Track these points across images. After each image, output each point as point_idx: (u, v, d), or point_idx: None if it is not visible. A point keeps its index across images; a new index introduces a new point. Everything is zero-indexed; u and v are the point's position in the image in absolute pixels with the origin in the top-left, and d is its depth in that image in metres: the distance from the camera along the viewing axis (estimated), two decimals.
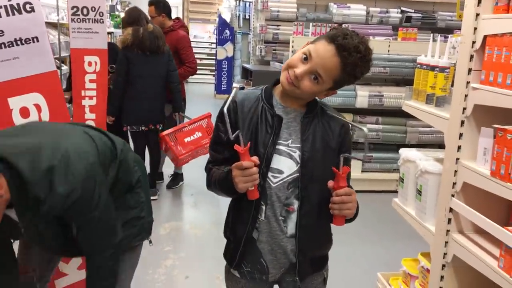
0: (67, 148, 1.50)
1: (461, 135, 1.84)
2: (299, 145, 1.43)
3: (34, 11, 2.06)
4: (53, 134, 1.59)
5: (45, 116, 2.17)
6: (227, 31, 10.29)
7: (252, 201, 1.40)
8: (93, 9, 2.40)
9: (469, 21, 1.78)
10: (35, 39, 2.08)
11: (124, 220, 1.74)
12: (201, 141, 4.10)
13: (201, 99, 9.79)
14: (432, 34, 3.01)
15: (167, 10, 4.51)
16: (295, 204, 1.44)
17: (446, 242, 1.92)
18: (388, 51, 4.78)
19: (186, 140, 4.12)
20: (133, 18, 3.96)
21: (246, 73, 6.55)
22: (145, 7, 4.43)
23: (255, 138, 1.41)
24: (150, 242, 1.91)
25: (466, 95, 1.80)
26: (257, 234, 1.46)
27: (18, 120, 2.10)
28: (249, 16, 9.44)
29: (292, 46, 4.76)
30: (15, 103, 2.09)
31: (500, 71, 1.63)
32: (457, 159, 1.86)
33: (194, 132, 4.17)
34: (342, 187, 1.37)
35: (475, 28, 1.76)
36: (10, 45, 2.03)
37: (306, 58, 1.34)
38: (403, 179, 2.29)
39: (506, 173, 1.57)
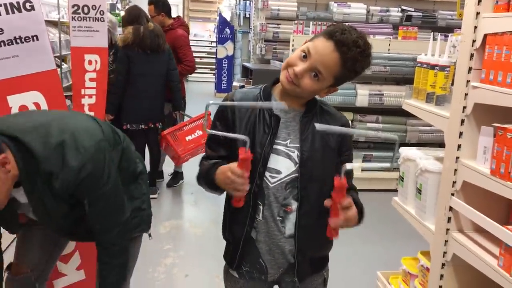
0: (75, 125, 1.54)
1: (461, 134, 1.84)
2: (298, 145, 1.41)
3: (34, 9, 2.06)
4: (59, 115, 1.63)
5: None
6: (227, 30, 10.28)
7: (249, 201, 1.39)
8: (93, 7, 2.40)
9: (469, 20, 1.78)
10: (34, 38, 2.08)
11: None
12: (202, 139, 4.10)
13: (201, 97, 9.79)
14: (432, 33, 3.01)
15: (166, 9, 4.51)
16: (293, 205, 1.43)
17: (446, 241, 1.92)
18: (389, 50, 4.77)
19: (187, 138, 4.12)
20: (133, 16, 3.96)
21: (246, 72, 6.55)
22: (145, 6, 4.43)
23: (252, 138, 1.40)
24: (150, 235, 1.91)
25: (466, 94, 1.80)
26: (255, 234, 1.45)
27: None
28: (249, 14, 9.42)
29: (293, 45, 4.76)
30: (14, 101, 2.09)
31: (500, 70, 1.63)
32: (457, 158, 1.85)
33: (195, 130, 4.17)
34: (341, 201, 1.28)
35: (475, 27, 1.76)
36: (10, 43, 2.02)
37: (305, 56, 1.33)
38: (403, 178, 2.29)
39: (506, 172, 1.56)
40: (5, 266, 1.78)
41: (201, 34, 14.27)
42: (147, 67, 3.94)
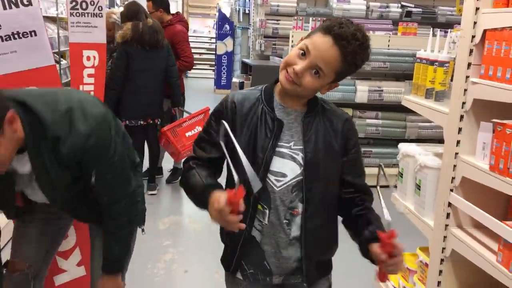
0: (80, 96, 1.58)
1: (460, 129, 1.84)
2: (301, 147, 1.38)
3: (31, 5, 2.05)
4: (62, 90, 1.67)
5: None
6: (227, 26, 10.27)
7: (248, 202, 1.34)
8: (92, 3, 2.39)
9: (469, 15, 1.78)
10: (32, 33, 2.07)
11: None
12: None
13: (201, 94, 9.78)
14: (432, 29, 3.01)
15: (164, 5, 4.49)
16: (300, 207, 1.40)
17: (445, 237, 1.92)
18: (388, 46, 4.76)
19: (187, 134, 4.12)
20: (132, 12, 3.95)
21: (246, 68, 6.53)
22: (144, 2, 4.41)
23: (254, 142, 1.37)
24: (143, 230, 1.90)
25: (465, 90, 1.80)
26: (260, 236, 1.42)
27: None
28: (249, 10, 9.41)
29: (292, 41, 4.75)
30: None
31: (500, 65, 1.62)
32: (456, 153, 1.85)
33: (194, 126, 4.17)
34: (391, 250, 1.25)
35: (475, 22, 1.75)
36: (8, 39, 2.02)
37: (304, 54, 1.30)
38: (402, 174, 2.29)
39: (505, 168, 1.56)
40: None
41: (201, 30, 14.25)
42: (146, 63, 3.93)
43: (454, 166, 1.86)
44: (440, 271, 1.96)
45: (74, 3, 2.37)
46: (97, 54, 2.46)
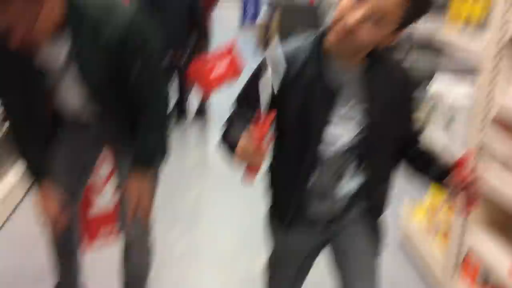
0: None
1: (496, 66, 1.77)
2: (359, 108, 1.25)
3: None
4: None
5: None
6: None
7: (303, 165, 1.29)
8: None
9: None
10: None
11: None
12: (227, 72, 4.05)
13: (225, 31, 9.61)
14: None
15: None
16: (353, 172, 1.32)
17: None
18: None
19: (212, 72, 4.08)
20: None
21: (272, 8, 6.35)
22: None
23: (306, 106, 1.24)
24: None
25: (505, 22, 1.71)
26: (312, 189, 1.33)
27: None
28: None
29: None
30: None
31: None
32: (490, 91, 1.79)
33: (220, 63, 4.12)
34: (466, 176, 1.22)
35: None
36: None
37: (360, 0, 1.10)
38: (432, 112, 2.24)
39: None
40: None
41: None
42: None
43: (487, 103, 1.81)
44: None
45: None
46: None
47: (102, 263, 2.19)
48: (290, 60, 1.24)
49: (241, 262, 2.48)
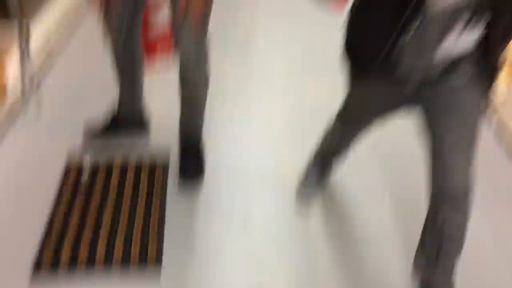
0: None
1: None
2: None
3: None
4: None
5: None
6: None
7: (403, 11, 1.09)
8: None
9: None
10: None
11: None
12: None
13: None
14: None
15: None
16: (463, 31, 1.13)
17: None
18: None
19: None
20: None
21: None
22: None
23: None
24: None
25: None
26: (404, 50, 1.18)
27: None
28: None
29: None
30: None
31: None
32: None
33: None
34: None
35: None
36: None
37: None
38: None
39: None
40: None
41: None
42: None
43: None
44: None
45: None
46: None
47: (161, 85, 2.26)
48: None
49: (292, 96, 2.51)
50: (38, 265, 1.60)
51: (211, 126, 2.14)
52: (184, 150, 1.98)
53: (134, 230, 1.73)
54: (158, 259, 1.64)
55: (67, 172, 1.94)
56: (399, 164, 2.07)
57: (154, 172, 1.95)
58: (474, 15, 1.11)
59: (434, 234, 1.36)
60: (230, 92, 2.49)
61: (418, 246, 1.45)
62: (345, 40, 1.34)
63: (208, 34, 1.70)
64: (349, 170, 1.95)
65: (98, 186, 1.88)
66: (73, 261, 1.62)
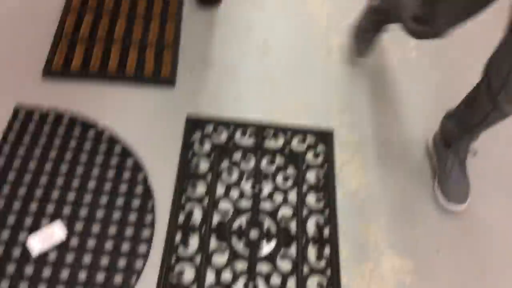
0: None
1: None
2: None
3: None
4: None
5: None
6: None
7: None
8: None
9: None
10: None
11: None
12: None
13: None
14: None
15: None
16: None
17: None
18: None
19: None
20: None
21: None
22: None
23: None
24: None
25: None
26: None
27: None
28: None
29: None
30: None
31: None
32: None
33: None
34: None
35: None
36: None
37: None
38: None
39: None
40: None
41: None
42: None
43: None
44: None
45: None
46: None
47: None
48: None
49: None
50: (49, 67, 1.56)
51: None
52: None
53: (148, 42, 1.66)
54: (173, 72, 1.58)
55: None
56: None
57: None
58: None
59: (478, 114, 1.28)
60: None
61: (461, 105, 1.37)
62: None
63: None
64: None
65: None
66: (84, 66, 1.57)
